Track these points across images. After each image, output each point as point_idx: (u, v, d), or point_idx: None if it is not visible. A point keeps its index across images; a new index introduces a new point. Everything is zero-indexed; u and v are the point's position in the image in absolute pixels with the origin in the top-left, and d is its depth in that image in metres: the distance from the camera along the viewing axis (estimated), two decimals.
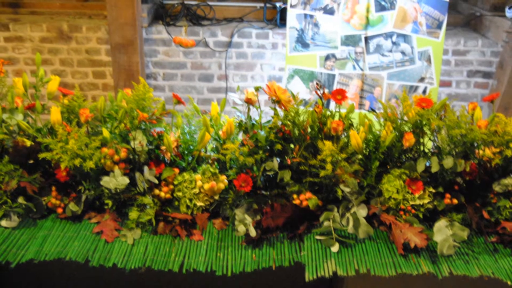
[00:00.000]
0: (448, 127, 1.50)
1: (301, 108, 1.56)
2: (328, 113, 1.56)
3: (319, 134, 1.54)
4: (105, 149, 1.48)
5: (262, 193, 1.56)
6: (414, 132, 1.53)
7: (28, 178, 1.50)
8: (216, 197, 1.54)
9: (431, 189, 1.50)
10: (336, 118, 1.56)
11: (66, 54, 4.17)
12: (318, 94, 1.59)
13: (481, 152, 1.54)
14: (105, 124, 1.62)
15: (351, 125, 1.58)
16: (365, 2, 3.40)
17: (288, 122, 1.55)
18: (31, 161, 1.56)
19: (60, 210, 1.52)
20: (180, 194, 1.52)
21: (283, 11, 4.08)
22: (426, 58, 3.46)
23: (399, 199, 1.48)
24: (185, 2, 4.25)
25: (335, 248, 1.41)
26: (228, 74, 4.24)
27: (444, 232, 1.41)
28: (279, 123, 1.56)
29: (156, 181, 1.51)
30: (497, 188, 1.51)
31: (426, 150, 1.57)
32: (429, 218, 1.51)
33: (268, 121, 1.60)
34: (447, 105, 1.54)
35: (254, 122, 1.63)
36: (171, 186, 1.54)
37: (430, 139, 1.57)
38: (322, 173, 1.45)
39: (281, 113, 1.57)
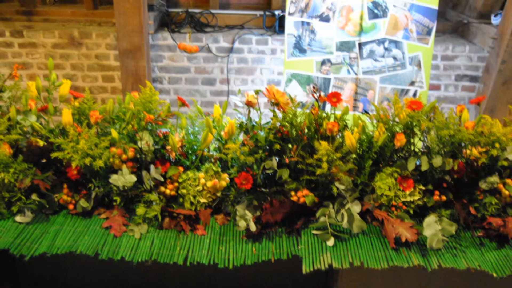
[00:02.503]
0: (437, 128, 1.50)
1: (299, 110, 1.55)
2: (324, 115, 1.56)
3: (316, 135, 1.54)
4: (113, 149, 1.48)
5: (261, 190, 1.56)
6: (405, 133, 1.52)
7: (41, 176, 1.50)
8: (219, 194, 1.54)
9: (421, 187, 1.50)
10: (332, 119, 1.56)
11: (77, 59, 4.17)
12: (314, 97, 1.59)
13: (468, 151, 1.54)
14: (114, 125, 1.62)
15: (346, 126, 1.58)
16: (359, 10, 3.40)
17: (286, 123, 1.55)
18: (44, 160, 1.56)
19: (71, 206, 1.52)
20: (184, 191, 1.52)
21: (282, 19, 4.08)
22: (416, 63, 3.46)
23: (391, 196, 1.48)
24: (189, 10, 4.25)
25: (330, 242, 1.41)
26: (229, 78, 4.24)
27: (433, 227, 1.41)
28: (278, 124, 1.56)
29: (162, 179, 1.51)
30: (483, 185, 1.51)
31: (417, 150, 1.57)
32: (419, 214, 1.51)
33: (268, 123, 1.60)
34: (436, 108, 1.54)
35: (254, 123, 1.63)
36: (176, 184, 1.54)
37: (420, 139, 1.57)
38: (318, 171, 1.45)
39: (279, 115, 1.57)
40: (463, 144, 1.51)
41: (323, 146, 1.45)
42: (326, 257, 1.37)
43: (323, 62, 3.46)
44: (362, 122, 1.56)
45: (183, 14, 4.24)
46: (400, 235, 1.40)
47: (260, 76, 4.24)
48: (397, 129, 1.54)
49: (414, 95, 3.48)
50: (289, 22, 3.42)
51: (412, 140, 1.55)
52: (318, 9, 3.42)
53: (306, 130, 1.55)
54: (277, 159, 1.56)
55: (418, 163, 1.51)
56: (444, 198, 1.51)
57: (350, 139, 1.48)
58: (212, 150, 1.66)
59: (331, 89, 3.49)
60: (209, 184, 1.50)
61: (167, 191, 1.53)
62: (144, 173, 1.50)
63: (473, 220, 1.50)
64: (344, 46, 3.44)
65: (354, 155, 1.55)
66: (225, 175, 1.53)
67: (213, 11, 4.29)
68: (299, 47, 3.44)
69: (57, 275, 1.80)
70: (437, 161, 1.46)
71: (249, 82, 4.26)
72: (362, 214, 1.49)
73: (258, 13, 4.30)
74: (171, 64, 4.19)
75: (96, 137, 1.48)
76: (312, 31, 3.43)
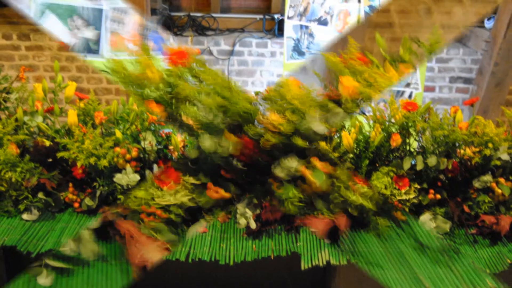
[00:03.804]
0: (432, 128, 1.49)
1: None
2: None
3: None
4: (117, 149, 1.48)
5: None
6: (401, 133, 1.53)
7: (47, 175, 1.50)
8: None
9: (416, 185, 1.50)
10: None
11: (82, 61, 4.17)
12: None
13: (462, 151, 1.54)
14: (118, 125, 1.62)
15: (343, 126, 1.58)
16: (356, 14, 3.40)
17: None
18: (50, 160, 1.56)
19: (76, 205, 1.52)
20: None
21: (281, 22, 4.08)
22: None
23: (387, 194, 1.48)
24: (191, 14, 4.25)
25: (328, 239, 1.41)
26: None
27: (428, 225, 1.41)
28: None
29: None
30: (476, 184, 1.51)
31: (412, 150, 1.57)
32: (414, 211, 1.51)
33: None
34: (431, 109, 1.54)
35: None
36: None
37: (415, 139, 1.57)
38: None
39: None
40: (457, 144, 1.51)
41: (321, 146, 1.44)
42: (324, 253, 1.37)
43: None
44: (359, 122, 1.56)
45: (185, 18, 4.24)
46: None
47: (260, 78, 4.24)
48: (393, 130, 1.54)
49: (410, 96, 3.48)
50: (288, 26, 3.42)
51: (407, 140, 1.55)
52: (317, 13, 3.42)
53: None
54: None
55: (413, 162, 1.51)
56: (438, 196, 1.51)
57: (348, 139, 1.48)
58: None
59: None
60: None
61: None
62: (147, 172, 1.50)
63: (466, 218, 1.50)
64: None
65: (351, 155, 1.55)
66: None
67: (214, 15, 4.29)
68: (297, 50, 3.44)
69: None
70: (432, 160, 1.46)
71: (249, 83, 4.26)
72: None
73: (258, 16, 4.30)
74: None
75: (100, 137, 1.47)
76: (311, 34, 3.43)
